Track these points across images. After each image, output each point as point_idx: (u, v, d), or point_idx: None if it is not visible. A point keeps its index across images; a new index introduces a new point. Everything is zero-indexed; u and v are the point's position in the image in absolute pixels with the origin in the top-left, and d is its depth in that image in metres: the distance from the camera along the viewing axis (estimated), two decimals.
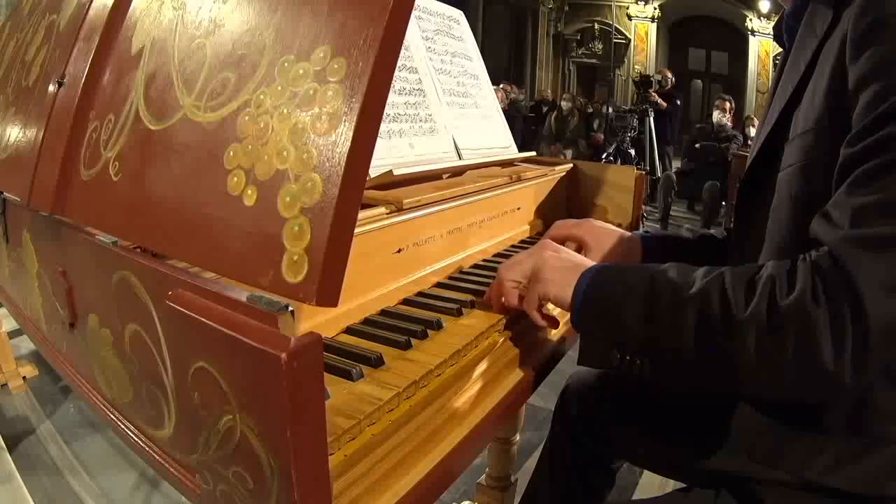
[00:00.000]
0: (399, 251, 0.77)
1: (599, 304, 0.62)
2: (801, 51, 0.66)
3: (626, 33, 12.16)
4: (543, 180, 1.17)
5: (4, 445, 1.63)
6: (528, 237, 1.14)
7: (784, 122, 0.67)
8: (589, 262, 0.68)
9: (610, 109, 7.14)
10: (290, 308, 0.41)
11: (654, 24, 11.95)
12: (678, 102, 6.51)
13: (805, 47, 0.65)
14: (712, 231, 0.96)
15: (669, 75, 6.59)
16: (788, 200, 0.63)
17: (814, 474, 0.62)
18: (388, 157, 0.86)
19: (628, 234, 0.91)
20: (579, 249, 0.88)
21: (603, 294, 0.62)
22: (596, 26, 12.67)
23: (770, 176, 0.66)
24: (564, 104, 7.44)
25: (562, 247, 0.73)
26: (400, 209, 0.74)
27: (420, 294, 0.80)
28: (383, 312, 0.74)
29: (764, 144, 0.70)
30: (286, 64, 0.48)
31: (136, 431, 0.62)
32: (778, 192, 0.65)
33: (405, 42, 0.89)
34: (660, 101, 6.19)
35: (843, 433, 0.61)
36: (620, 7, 12.05)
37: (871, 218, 0.50)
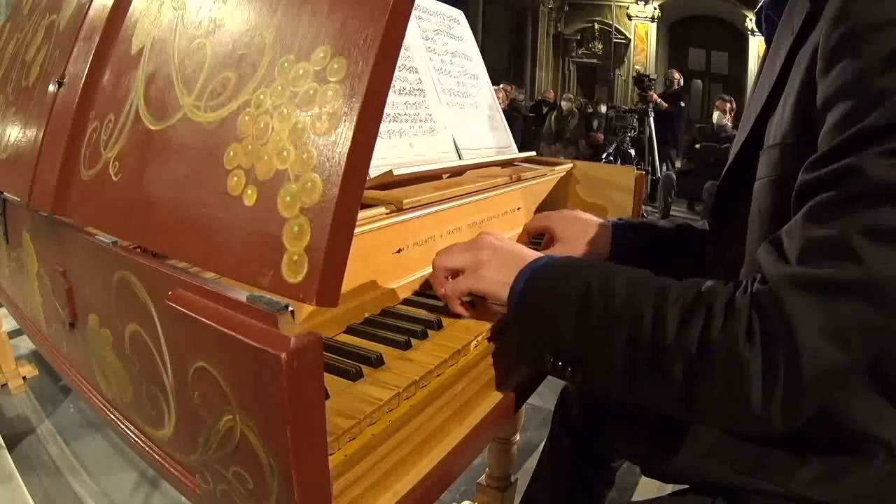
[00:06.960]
0: (399, 251, 0.77)
1: (533, 309, 0.59)
2: (777, 50, 0.61)
3: (626, 33, 12.16)
4: (543, 180, 1.17)
5: (4, 445, 1.63)
6: None
7: (760, 129, 0.62)
8: (530, 256, 0.64)
9: (610, 109, 7.14)
10: (290, 308, 0.41)
11: (654, 24, 11.95)
12: (682, 104, 6.37)
13: (781, 47, 0.60)
14: (690, 222, 0.92)
15: (677, 76, 6.42)
16: (758, 215, 0.60)
17: (799, 486, 0.60)
18: (388, 157, 0.86)
19: (601, 221, 0.88)
20: (551, 241, 0.88)
21: (537, 300, 0.59)
22: (596, 26, 12.66)
23: (748, 184, 0.62)
24: (564, 104, 7.45)
25: (501, 241, 0.69)
26: (400, 209, 0.73)
27: (420, 294, 0.80)
28: (383, 312, 0.73)
29: (741, 151, 0.65)
30: (286, 64, 0.48)
31: (136, 431, 0.62)
32: (754, 202, 0.61)
33: (405, 42, 0.88)
34: (659, 101, 6.17)
35: (821, 450, 0.59)
36: (620, 7, 12.05)
37: (820, 257, 0.46)
